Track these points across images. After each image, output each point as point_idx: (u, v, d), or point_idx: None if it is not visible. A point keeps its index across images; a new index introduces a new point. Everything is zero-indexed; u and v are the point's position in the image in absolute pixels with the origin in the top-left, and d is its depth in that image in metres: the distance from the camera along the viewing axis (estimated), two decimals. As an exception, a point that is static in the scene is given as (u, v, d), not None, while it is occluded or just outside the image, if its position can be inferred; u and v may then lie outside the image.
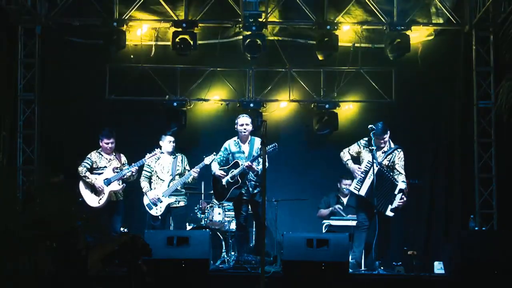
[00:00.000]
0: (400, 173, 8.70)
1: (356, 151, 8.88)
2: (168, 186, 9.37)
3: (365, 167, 8.64)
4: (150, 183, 9.44)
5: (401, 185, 8.59)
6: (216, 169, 8.87)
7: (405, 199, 8.62)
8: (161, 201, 9.31)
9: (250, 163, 8.55)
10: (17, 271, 5.54)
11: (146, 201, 9.38)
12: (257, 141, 8.78)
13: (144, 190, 9.40)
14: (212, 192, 9.86)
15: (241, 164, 8.62)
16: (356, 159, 8.86)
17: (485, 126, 10.52)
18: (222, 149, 8.97)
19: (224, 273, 8.06)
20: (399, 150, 8.78)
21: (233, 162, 8.76)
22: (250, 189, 8.67)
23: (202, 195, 9.98)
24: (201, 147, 10.65)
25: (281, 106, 11.04)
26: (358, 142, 8.89)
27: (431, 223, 10.66)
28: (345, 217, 9.71)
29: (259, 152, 8.54)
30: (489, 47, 10.55)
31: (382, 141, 8.68)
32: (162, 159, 9.47)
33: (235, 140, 8.91)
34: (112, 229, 9.06)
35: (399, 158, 8.74)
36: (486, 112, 10.53)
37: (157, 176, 9.43)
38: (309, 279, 7.47)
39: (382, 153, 8.71)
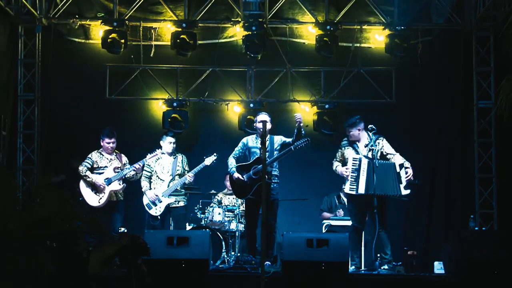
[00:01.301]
0: (393, 154, 8.64)
1: (341, 155, 8.79)
2: (168, 186, 9.38)
3: (353, 165, 8.54)
4: (150, 183, 9.45)
5: (399, 160, 8.52)
6: (233, 167, 8.75)
7: (410, 171, 8.51)
8: (161, 201, 9.32)
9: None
10: (17, 271, 5.53)
11: (145, 200, 9.39)
12: (277, 138, 8.75)
13: (143, 190, 9.41)
14: (212, 192, 9.86)
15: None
16: (344, 162, 8.76)
17: (485, 126, 10.52)
18: (240, 144, 8.92)
19: (224, 273, 8.05)
20: (380, 138, 8.67)
21: (255, 158, 8.71)
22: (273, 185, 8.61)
23: (212, 190, 9.95)
24: (201, 147, 10.65)
25: (281, 106, 11.07)
26: (340, 146, 8.84)
27: (431, 223, 10.66)
28: (346, 217, 9.70)
29: (286, 149, 8.59)
30: (489, 47, 10.55)
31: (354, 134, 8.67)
32: (162, 159, 9.48)
33: (253, 136, 8.92)
34: (112, 229, 9.06)
35: (383, 145, 8.65)
36: (486, 112, 10.53)
37: (157, 176, 9.44)
38: (309, 279, 7.46)
39: (364, 146, 8.67)
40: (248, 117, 10.60)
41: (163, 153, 9.43)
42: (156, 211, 9.32)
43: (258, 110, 10.64)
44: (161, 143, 9.53)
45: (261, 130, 8.68)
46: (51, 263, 5.77)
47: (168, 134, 9.70)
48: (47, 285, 5.69)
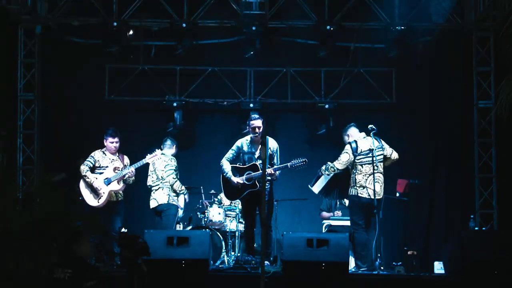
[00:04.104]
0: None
1: None
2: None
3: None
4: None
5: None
6: (229, 171, 8.71)
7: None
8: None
9: (273, 171, 8.52)
10: (17, 271, 5.54)
11: (182, 203, 9.27)
12: (271, 141, 8.71)
13: (183, 191, 9.36)
14: (212, 192, 9.83)
15: (261, 169, 8.45)
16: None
17: (485, 126, 10.52)
18: (234, 147, 8.87)
19: (224, 273, 8.06)
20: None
21: (250, 164, 8.68)
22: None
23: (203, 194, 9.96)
24: (200, 147, 10.66)
25: (281, 106, 11.06)
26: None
27: (431, 223, 10.67)
28: (345, 217, 9.70)
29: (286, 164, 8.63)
30: (489, 47, 10.55)
31: None
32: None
33: (247, 140, 8.86)
34: (112, 229, 9.06)
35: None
36: (486, 112, 10.53)
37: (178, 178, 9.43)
38: (309, 279, 7.47)
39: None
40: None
41: (163, 153, 9.40)
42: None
43: (258, 110, 10.68)
44: (174, 148, 9.47)
45: (256, 135, 8.68)
46: (51, 263, 5.78)
47: (174, 139, 9.64)
48: (47, 285, 5.69)
